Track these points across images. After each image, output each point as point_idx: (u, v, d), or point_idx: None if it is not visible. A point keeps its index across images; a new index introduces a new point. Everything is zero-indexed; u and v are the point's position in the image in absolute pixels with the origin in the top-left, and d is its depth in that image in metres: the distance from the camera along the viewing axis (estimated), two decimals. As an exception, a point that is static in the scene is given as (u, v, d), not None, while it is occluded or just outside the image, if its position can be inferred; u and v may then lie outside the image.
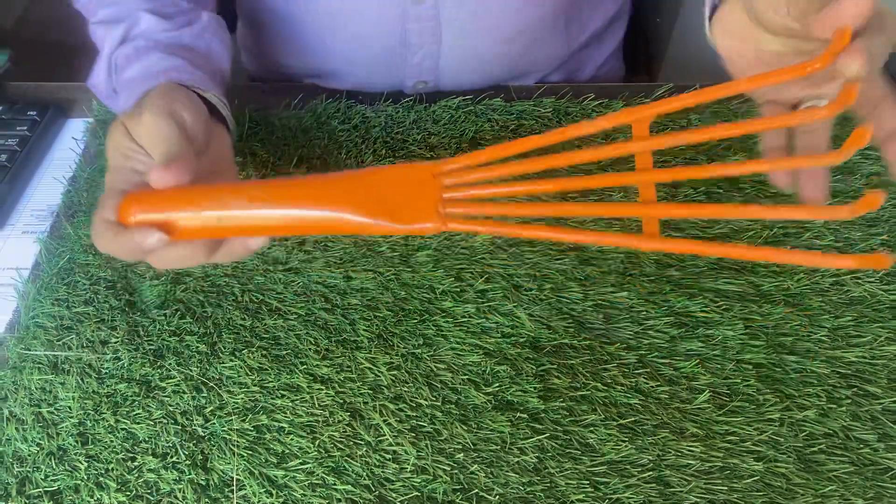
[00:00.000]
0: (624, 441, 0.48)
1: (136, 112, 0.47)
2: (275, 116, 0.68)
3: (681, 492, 0.46)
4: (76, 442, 0.49)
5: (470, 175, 0.45)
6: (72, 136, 0.70)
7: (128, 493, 0.47)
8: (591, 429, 0.49)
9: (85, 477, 0.48)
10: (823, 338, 0.52)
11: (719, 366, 0.51)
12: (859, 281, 0.55)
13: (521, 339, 0.53)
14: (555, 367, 0.52)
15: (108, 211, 0.44)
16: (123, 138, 0.47)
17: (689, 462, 0.47)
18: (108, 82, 0.56)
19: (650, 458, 0.47)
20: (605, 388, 0.50)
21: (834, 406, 0.49)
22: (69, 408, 0.51)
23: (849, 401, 0.49)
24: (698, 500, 0.46)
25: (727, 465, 0.47)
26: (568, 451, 0.48)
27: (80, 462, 0.48)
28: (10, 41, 1.56)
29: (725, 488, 0.46)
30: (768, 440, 0.48)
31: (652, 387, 0.50)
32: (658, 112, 0.44)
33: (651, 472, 0.47)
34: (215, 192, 0.44)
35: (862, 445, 0.48)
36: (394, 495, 0.46)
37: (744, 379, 0.50)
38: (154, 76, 0.51)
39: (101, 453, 0.49)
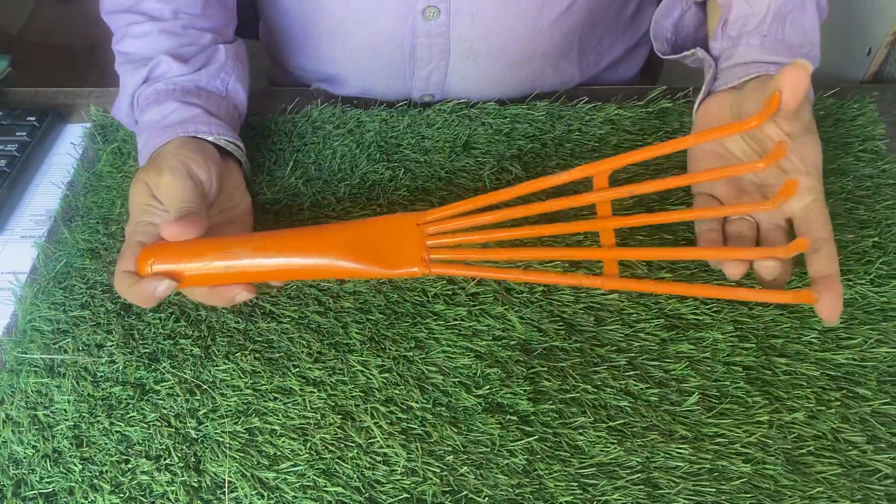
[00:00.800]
0: (613, 443, 0.48)
1: (156, 170, 0.53)
2: (271, 121, 0.69)
3: (669, 493, 0.46)
4: (71, 444, 0.50)
5: (449, 224, 0.52)
6: (70, 141, 0.70)
7: (121, 494, 0.48)
8: (581, 431, 0.49)
9: (79, 479, 0.48)
10: (813, 340, 0.52)
11: (709, 368, 0.51)
12: (850, 283, 0.55)
13: (512, 342, 0.53)
14: (545, 369, 0.52)
15: (128, 262, 0.50)
16: (144, 195, 0.53)
17: (678, 464, 0.47)
18: (129, 114, 0.62)
19: (639, 460, 0.48)
20: (595, 390, 0.51)
21: (823, 408, 0.49)
22: (64, 410, 0.51)
23: (838, 403, 0.50)
24: (686, 501, 0.46)
25: (715, 468, 0.47)
26: (557, 453, 0.48)
27: (74, 464, 0.49)
28: (16, 46, 1.57)
29: (713, 490, 0.46)
30: (757, 442, 0.48)
31: (641, 389, 0.51)
32: (615, 166, 0.51)
33: (640, 474, 0.47)
34: (224, 245, 0.50)
35: (851, 447, 0.48)
36: (384, 497, 0.47)
37: (733, 381, 0.51)
38: (172, 128, 0.56)
39: (95, 455, 0.49)
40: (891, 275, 0.55)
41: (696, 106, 0.59)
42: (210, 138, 0.57)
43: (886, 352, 0.52)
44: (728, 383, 0.51)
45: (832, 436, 0.48)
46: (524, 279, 0.52)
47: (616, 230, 0.51)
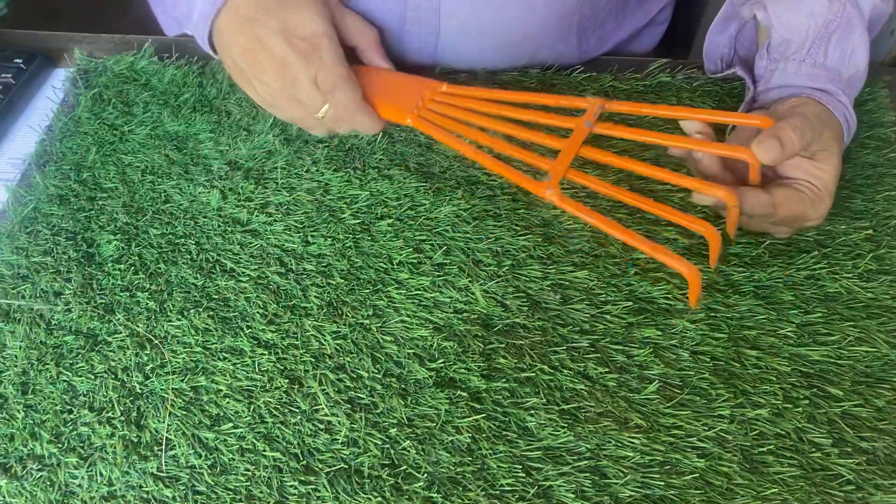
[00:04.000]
0: (563, 427, 0.46)
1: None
2: (255, 75, 0.67)
3: (616, 483, 0.44)
4: (17, 391, 0.49)
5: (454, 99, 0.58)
6: (53, 86, 0.69)
7: (60, 445, 0.47)
8: (532, 412, 0.47)
9: (21, 426, 0.48)
10: (789, 333, 0.50)
11: (674, 356, 0.49)
12: (836, 276, 0.52)
13: (473, 316, 0.51)
14: (503, 346, 0.50)
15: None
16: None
17: (629, 454, 0.45)
18: None
19: (589, 446, 0.46)
20: (552, 371, 0.49)
21: (790, 406, 0.47)
22: (15, 356, 0.51)
23: (806, 401, 0.47)
24: (633, 493, 0.44)
25: (668, 460, 0.45)
26: (504, 433, 0.46)
27: (18, 411, 0.48)
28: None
29: (662, 483, 0.44)
30: (715, 437, 0.46)
31: (600, 373, 0.48)
32: (612, 109, 0.54)
33: (587, 462, 0.45)
34: None
35: (814, 449, 0.45)
36: (320, 465, 0.45)
37: (698, 371, 0.48)
38: None
39: (39, 404, 0.49)
40: (881, 270, 0.52)
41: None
42: None
43: (865, 351, 0.49)
44: (692, 373, 0.48)
45: (796, 435, 0.46)
46: (476, 158, 0.54)
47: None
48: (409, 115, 0.57)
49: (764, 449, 0.45)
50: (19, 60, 0.70)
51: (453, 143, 0.55)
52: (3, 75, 0.69)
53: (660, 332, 0.50)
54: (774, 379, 0.48)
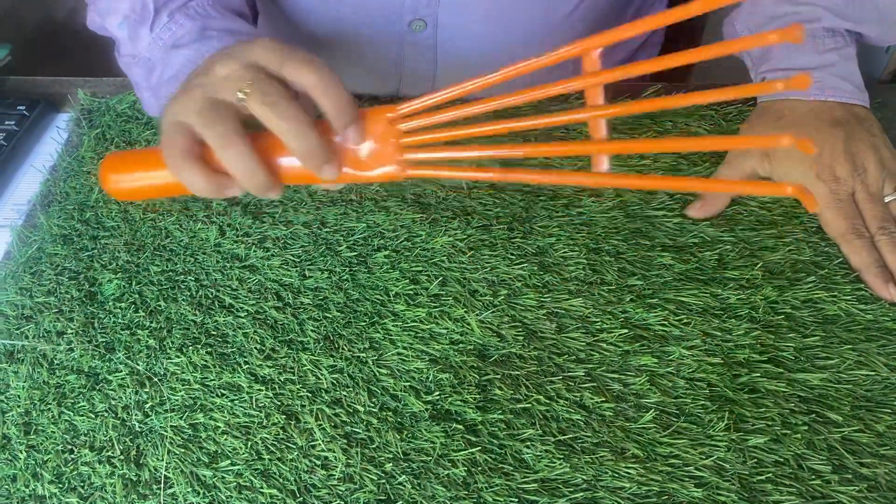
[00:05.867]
0: (560, 458, 0.46)
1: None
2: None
3: (612, 515, 0.44)
4: (20, 431, 0.50)
5: (425, 118, 0.43)
6: (57, 127, 0.71)
7: (61, 485, 0.47)
8: (528, 443, 0.47)
9: (24, 467, 0.48)
10: (787, 358, 0.49)
11: (671, 383, 0.49)
12: (835, 298, 0.51)
13: (469, 347, 0.51)
14: (499, 377, 0.50)
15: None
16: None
17: (625, 485, 0.45)
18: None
19: (585, 477, 0.45)
20: (548, 401, 0.48)
21: (788, 432, 0.46)
22: (18, 397, 0.52)
23: (805, 427, 0.46)
24: (630, 524, 0.44)
25: (665, 490, 0.45)
26: (500, 465, 0.46)
27: (20, 452, 0.49)
28: (61, 33, 1.60)
29: (659, 514, 0.44)
30: (713, 465, 0.45)
31: (597, 402, 0.48)
32: (606, 80, 0.41)
33: (584, 493, 0.45)
34: None
35: (814, 476, 0.45)
36: (316, 502, 0.45)
37: (694, 398, 0.48)
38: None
39: (41, 444, 0.49)
40: (880, 291, 0.52)
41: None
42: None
43: (865, 374, 0.48)
44: (689, 400, 0.48)
45: (795, 462, 0.45)
46: (507, 178, 0.43)
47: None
48: (394, 164, 0.44)
49: (762, 477, 0.45)
50: (22, 107, 0.71)
51: (474, 173, 0.43)
52: (6, 122, 0.70)
53: (656, 360, 0.50)
54: (772, 404, 0.47)
